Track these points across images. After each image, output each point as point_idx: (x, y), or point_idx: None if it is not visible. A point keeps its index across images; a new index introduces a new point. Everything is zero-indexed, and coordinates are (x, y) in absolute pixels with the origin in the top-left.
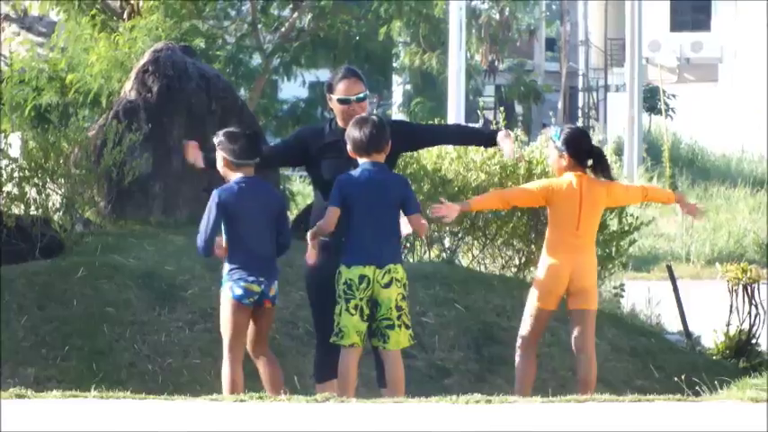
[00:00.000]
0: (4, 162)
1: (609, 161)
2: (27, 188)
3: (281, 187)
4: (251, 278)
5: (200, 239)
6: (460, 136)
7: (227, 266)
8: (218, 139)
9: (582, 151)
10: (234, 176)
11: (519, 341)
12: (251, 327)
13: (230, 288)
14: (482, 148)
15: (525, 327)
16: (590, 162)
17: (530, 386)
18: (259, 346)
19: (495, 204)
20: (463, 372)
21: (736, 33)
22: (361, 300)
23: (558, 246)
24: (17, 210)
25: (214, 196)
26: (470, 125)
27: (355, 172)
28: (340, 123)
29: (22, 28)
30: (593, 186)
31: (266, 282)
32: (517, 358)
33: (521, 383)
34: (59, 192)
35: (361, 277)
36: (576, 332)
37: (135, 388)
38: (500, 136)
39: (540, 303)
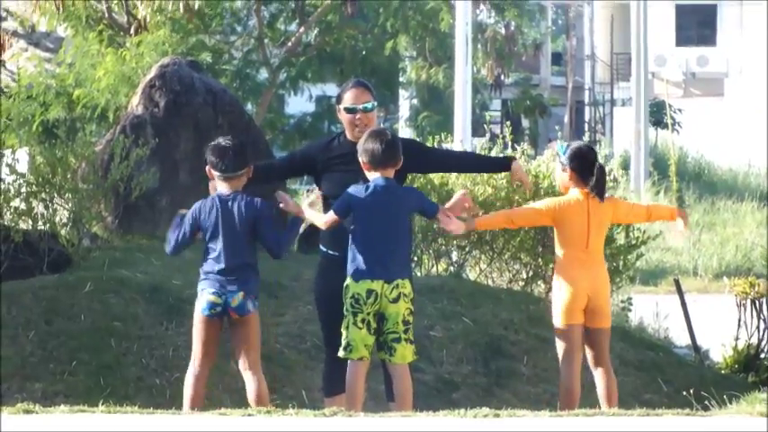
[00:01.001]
0: (12, 177)
1: (605, 183)
2: (34, 203)
3: None
4: (212, 290)
5: (169, 246)
6: (473, 162)
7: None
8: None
9: (586, 168)
10: (220, 187)
11: (562, 368)
12: (232, 340)
13: (198, 300)
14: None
15: (562, 350)
16: (593, 180)
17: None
18: (241, 360)
19: (501, 224)
20: (471, 385)
21: (742, 48)
22: (368, 314)
23: (571, 263)
24: (25, 225)
25: (194, 206)
26: (482, 154)
27: (366, 185)
28: (348, 134)
29: (29, 44)
30: (600, 204)
31: (229, 293)
32: (561, 387)
33: (567, 406)
34: (67, 207)
35: (369, 292)
36: (592, 350)
37: (142, 402)
38: (514, 167)
39: (567, 320)
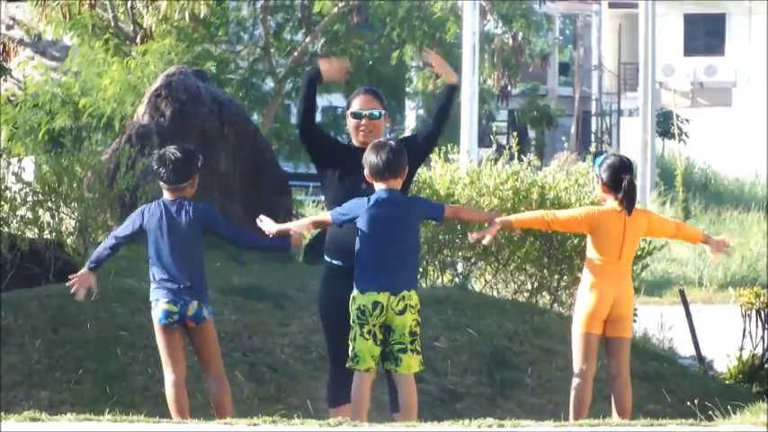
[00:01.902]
0: (18, 186)
1: (635, 197)
2: (41, 212)
3: (294, 212)
4: (166, 299)
5: (103, 245)
6: (437, 106)
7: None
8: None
9: (616, 180)
10: (165, 194)
11: (575, 375)
12: (193, 347)
13: (153, 310)
14: (495, 173)
15: (578, 357)
16: (621, 193)
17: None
18: (204, 366)
19: (537, 224)
20: (475, 396)
21: (750, 57)
22: (374, 326)
23: (601, 273)
24: (31, 234)
25: (141, 208)
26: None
27: (371, 197)
28: (353, 140)
29: (36, 52)
30: (637, 216)
31: (183, 302)
32: (572, 393)
33: (577, 415)
34: (73, 216)
35: (375, 304)
36: (612, 360)
37: (148, 411)
38: (433, 60)
39: (587, 328)
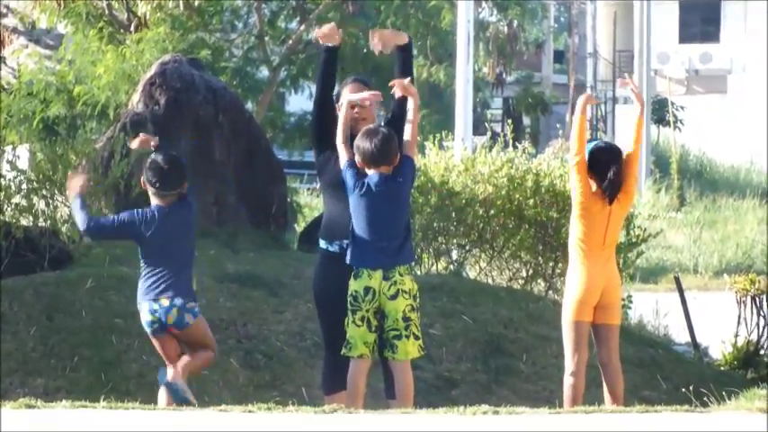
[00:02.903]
0: (13, 174)
1: (619, 187)
2: (35, 200)
3: (289, 200)
4: (147, 308)
5: (87, 222)
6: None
7: None
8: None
9: (599, 167)
10: (154, 200)
11: (568, 363)
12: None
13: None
14: (489, 160)
15: (569, 346)
16: (606, 181)
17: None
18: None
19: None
20: (470, 383)
21: (746, 45)
22: (367, 311)
23: (588, 258)
24: (25, 221)
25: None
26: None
27: (362, 182)
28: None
29: (30, 40)
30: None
31: (162, 310)
32: (565, 381)
33: (571, 402)
34: (67, 203)
35: (366, 289)
36: (602, 347)
37: (144, 399)
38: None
39: (577, 316)
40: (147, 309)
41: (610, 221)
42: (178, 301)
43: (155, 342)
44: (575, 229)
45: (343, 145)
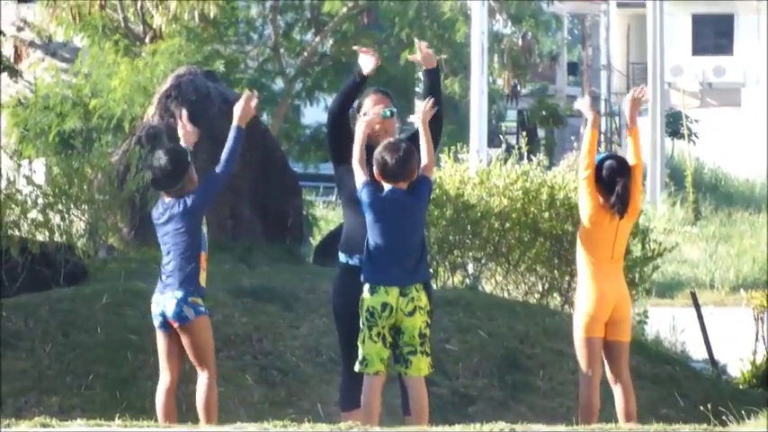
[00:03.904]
0: (29, 188)
1: (627, 202)
2: (51, 214)
3: (304, 213)
4: (154, 299)
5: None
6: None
7: None
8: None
9: (609, 182)
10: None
11: (582, 380)
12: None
13: None
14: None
15: (583, 362)
16: (614, 197)
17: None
18: (195, 365)
19: (593, 146)
20: (487, 399)
21: (759, 58)
22: (383, 327)
23: (598, 273)
24: (41, 236)
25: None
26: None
27: (382, 193)
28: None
29: (46, 54)
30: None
31: (164, 302)
32: (581, 398)
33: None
34: (83, 218)
35: (384, 305)
36: (613, 364)
37: None
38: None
39: (588, 333)
40: (153, 300)
41: (617, 235)
42: (179, 293)
43: (158, 341)
44: (583, 244)
45: (360, 165)
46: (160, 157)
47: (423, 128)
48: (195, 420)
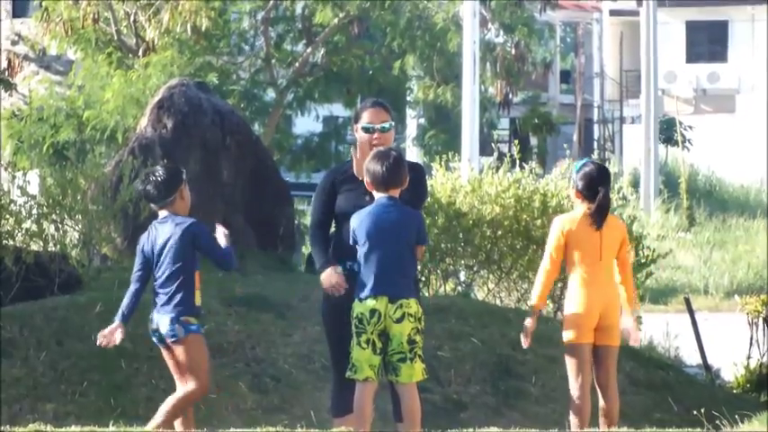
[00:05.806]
0: (23, 199)
1: (606, 212)
2: (45, 225)
3: (296, 222)
4: (151, 316)
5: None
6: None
7: None
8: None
9: (591, 190)
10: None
11: (572, 386)
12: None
13: None
14: (496, 181)
15: (572, 369)
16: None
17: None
18: (177, 378)
19: (551, 278)
20: (479, 405)
21: (753, 64)
22: (372, 334)
23: (585, 279)
24: (36, 246)
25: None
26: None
27: (369, 207)
28: (365, 154)
29: (40, 67)
30: (613, 219)
31: (158, 319)
32: (571, 405)
33: (576, 425)
34: (77, 228)
35: (372, 312)
36: (600, 368)
37: None
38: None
39: (577, 339)
40: (150, 317)
41: (603, 239)
42: (173, 314)
43: (163, 355)
44: (570, 249)
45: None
46: (155, 173)
47: None
48: (198, 427)
